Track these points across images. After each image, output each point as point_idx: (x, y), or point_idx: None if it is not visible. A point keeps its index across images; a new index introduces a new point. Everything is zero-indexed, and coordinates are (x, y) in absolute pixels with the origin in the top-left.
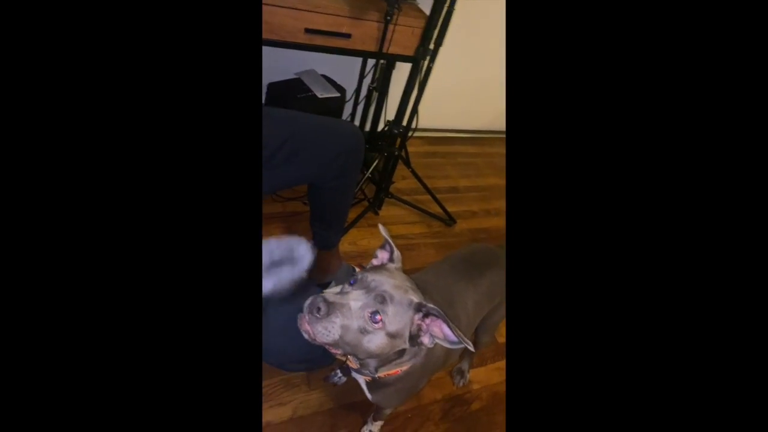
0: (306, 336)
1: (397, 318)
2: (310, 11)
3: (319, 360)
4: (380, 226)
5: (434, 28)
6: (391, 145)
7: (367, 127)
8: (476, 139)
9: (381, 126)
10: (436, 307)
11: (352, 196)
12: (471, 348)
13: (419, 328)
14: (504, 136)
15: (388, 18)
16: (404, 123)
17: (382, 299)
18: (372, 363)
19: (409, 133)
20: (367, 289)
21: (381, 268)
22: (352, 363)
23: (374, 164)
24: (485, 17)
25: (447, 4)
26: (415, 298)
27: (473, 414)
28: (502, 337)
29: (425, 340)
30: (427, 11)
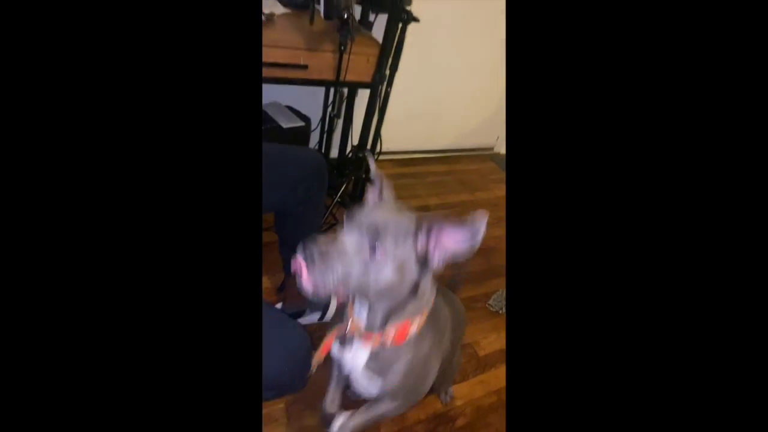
0: (308, 289)
1: (398, 245)
2: (267, 46)
3: (288, 385)
4: (367, 153)
5: (388, 55)
6: (357, 169)
7: (335, 153)
8: (444, 158)
9: (348, 151)
10: (433, 218)
11: (320, 221)
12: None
13: (426, 248)
14: (470, 153)
15: (342, 48)
16: (368, 147)
17: (376, 231)
18: (380, 312)
19: (375, 156)
20: (360, 226)
21: (371, 206)
22: (357, 323)
23: (343, 188)
24: (438, 40)
25: (398, 32)
26: (411, 219)
27: (458, 431)
28: (482, 350)
29: (437, 256)
30: (380, 39)
